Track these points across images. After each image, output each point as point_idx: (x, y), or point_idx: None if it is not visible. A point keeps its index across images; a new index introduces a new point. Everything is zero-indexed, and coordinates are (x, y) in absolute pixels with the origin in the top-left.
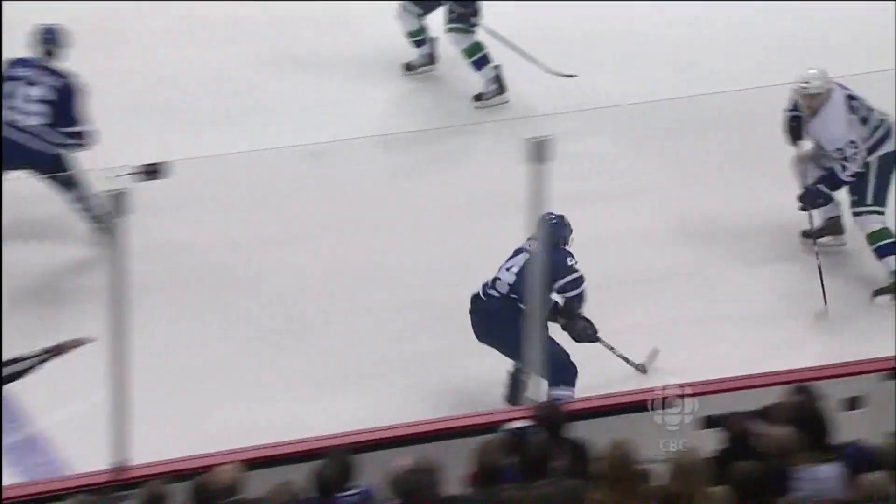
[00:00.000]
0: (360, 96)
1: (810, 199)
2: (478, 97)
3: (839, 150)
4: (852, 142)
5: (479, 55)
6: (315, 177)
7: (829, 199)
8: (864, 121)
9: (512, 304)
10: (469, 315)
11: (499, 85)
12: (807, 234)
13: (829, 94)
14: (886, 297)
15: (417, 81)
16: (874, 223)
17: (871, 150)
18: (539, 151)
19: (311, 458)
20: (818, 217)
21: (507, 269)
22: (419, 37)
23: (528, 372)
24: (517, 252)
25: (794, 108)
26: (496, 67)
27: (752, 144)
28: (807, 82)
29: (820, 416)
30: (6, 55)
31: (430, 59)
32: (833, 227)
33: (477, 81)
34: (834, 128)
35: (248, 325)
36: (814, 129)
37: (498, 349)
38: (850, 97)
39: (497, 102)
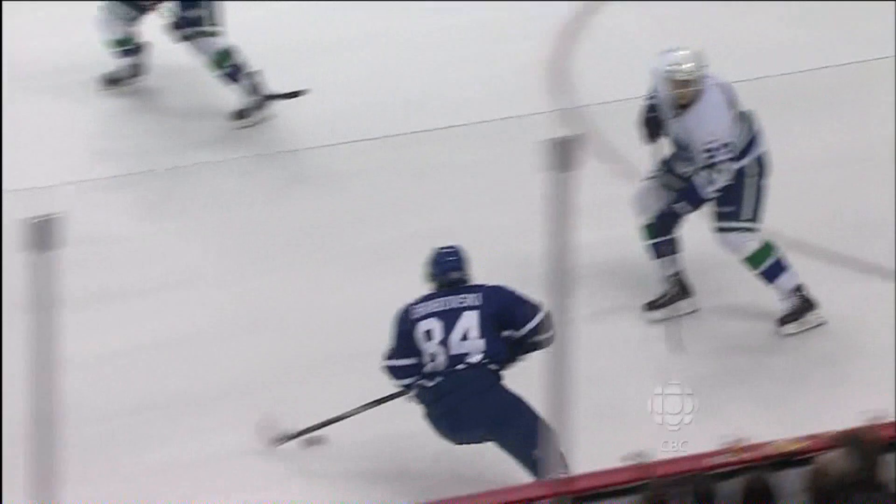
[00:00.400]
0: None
1: (665, 224)
2: (239, 114)
3: (709, 151)
4: (726, 145)
5: (229, 64)
6: None
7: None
8: (739, 119)
9: (492, 374)
10: (440, 414)
11: (261, 97)
12: (652, 306)
13: (706, 82)
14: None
15: (125, 98)
16: (751, 242)
17: (742, 154)
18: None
19: None
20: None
21: (463, 339)
22: (127, 45)
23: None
24: (446, 315)
25: (654, 97)
26: (253, 74)
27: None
28: (680, 64)
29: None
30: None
31: (137, 71)
32: (678, 289)
33: (230, 96)
34: (713, 123)
35: None
36: (682, 126)
37: (502, 439)
38: (725, 87)
39: (261, 119)
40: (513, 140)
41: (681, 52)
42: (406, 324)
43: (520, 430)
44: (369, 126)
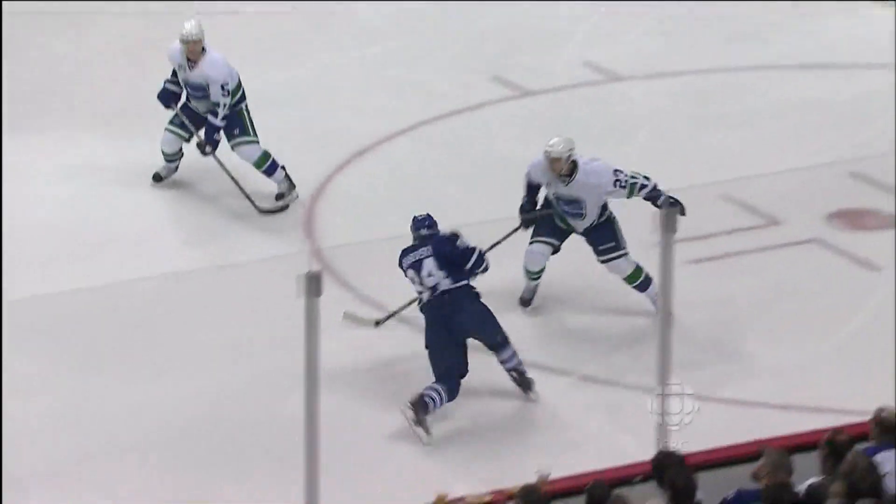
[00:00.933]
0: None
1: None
2: (278, 197)
3: (622, 183)
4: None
5: (269, 161)
6: None
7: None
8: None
9: (461, 289)
10: (434, 320)
11: (290, 182)
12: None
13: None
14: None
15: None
16: (629, 265)
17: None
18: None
19: None
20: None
21: (430, 275)
22: (176, 159)
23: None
24: (414, 265)
25: (534, 179)
26: (284, 168)
27: None
28: (554, 147)
29: None
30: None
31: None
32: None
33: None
34: (600, 177)
35: None
36: (569, 189)
37: (479, 334)
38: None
39: (291, 199)
40: (274, 275)
41: (555, 139)
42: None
43: (485, 321)
44: None
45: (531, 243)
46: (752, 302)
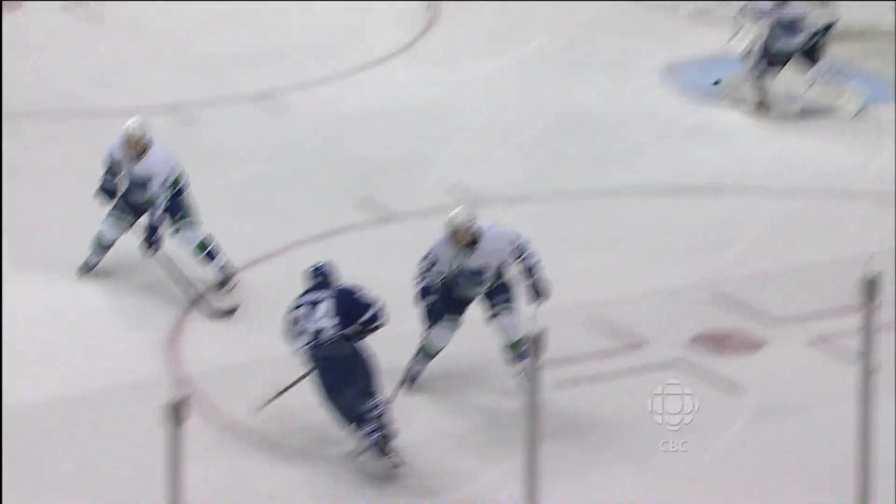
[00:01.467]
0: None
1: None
2: (220, 285)
3: (521, 253)
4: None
5: (210, 246)
6: None
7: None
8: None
9: (343, 339)
10: (326, 367)
11: (228, 270)
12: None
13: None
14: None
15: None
16: (519, 328)
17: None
18: None
19: None
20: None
21: (321, 318)
22: (112, 244)
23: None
24: (310, 304)
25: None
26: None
27: None
28: (455, 219)
29: None
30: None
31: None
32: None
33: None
34: (501, 242)
35: None
36: (463, 258)
37: (361, 381)
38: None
39: (233, 287)
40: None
41: (457, 209)
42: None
43: (369, 373)
44: None
45: (436, 323)
46: (613, 425)
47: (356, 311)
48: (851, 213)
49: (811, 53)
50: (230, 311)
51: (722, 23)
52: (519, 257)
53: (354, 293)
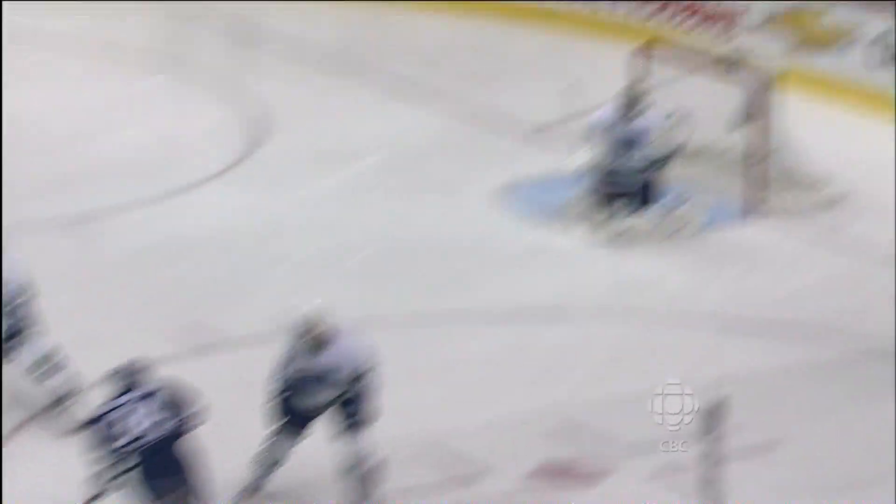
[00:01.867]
0: None
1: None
2: (57, 402)
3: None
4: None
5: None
6: None
7: None
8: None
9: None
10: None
11: (72, 382)
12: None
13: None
14: None
15: None
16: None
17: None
18: None
19: None
20: None
21: (144, 418)
22: None
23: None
24: (125, 408)
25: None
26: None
27: None
28: (307, 316)
29: None
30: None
31: None
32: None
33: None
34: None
35: None
36: (323, 360)
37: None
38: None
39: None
40: None
41: (307, 307)
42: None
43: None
44: None
45: (279, 436)
46: None
47: (176, 408)
48: (693, 338)
49: (652, 178)
50: (74, 427)
51: (559, 141)
52: (360, 376)
53: (172, 390)
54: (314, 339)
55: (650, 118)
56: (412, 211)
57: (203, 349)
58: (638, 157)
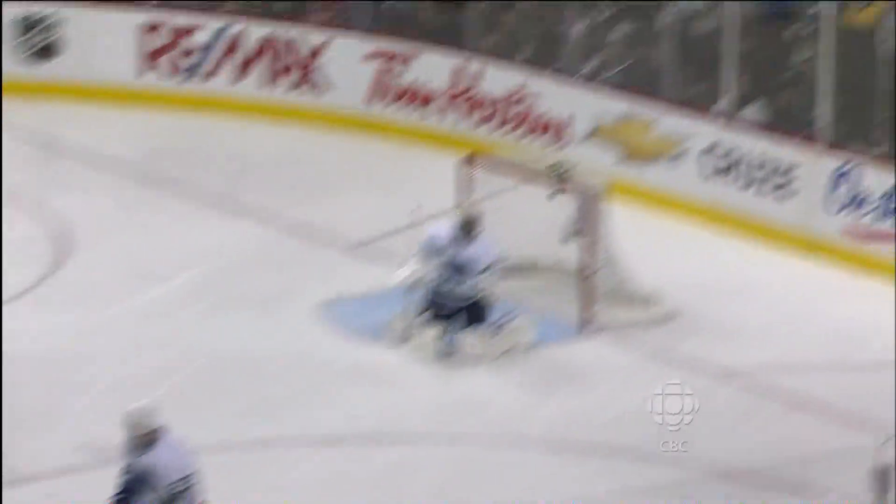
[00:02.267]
0: None
1: None
2: None
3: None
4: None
5: None
6: None
7: None
8: None
9: None
10: None
11: None
12: None
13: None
14: None
15: None
16: None
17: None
18: None
19: None
20: None
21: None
22: None
23: None
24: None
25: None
26: None
27: None
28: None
29: None
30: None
31: None
32: None
33: None
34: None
35: None
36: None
37: None
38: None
39: None
40: None
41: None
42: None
43: None
44: None
45: None
46: None
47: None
48: (525, 461)
49: (480, 302)
50: None
51: (384, 257)
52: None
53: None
54: (139, 439)
55: (484, 246)
56: (229, 329)
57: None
58: (469, 285)
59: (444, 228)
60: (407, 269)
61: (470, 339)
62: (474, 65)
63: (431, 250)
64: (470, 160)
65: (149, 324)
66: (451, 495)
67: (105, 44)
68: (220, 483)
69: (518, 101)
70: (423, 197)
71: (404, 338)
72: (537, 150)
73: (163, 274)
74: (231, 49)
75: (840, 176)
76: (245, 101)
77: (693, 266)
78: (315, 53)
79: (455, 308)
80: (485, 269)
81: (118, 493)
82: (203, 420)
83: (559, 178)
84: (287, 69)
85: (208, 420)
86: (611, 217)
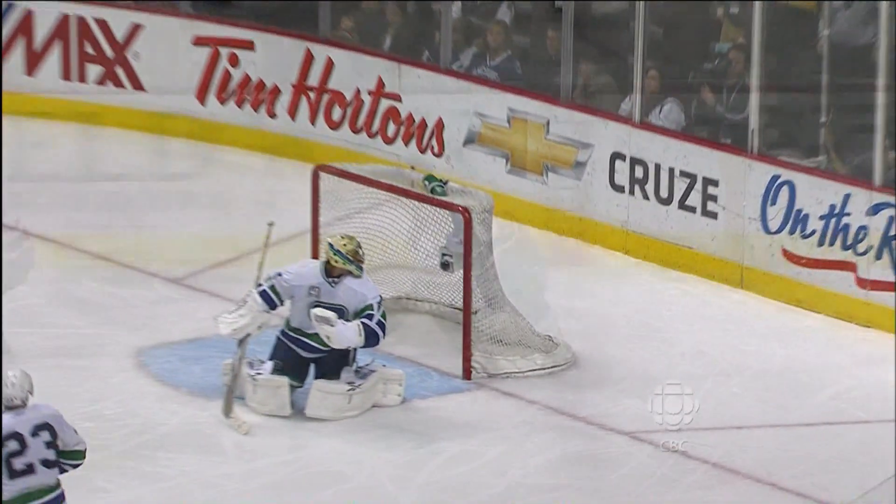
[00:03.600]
0: None
1: None
2: None
3: None
4: None
5: None
6: None
7: None
8: None
9: None
10: None
11: None
12: None
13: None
14: None
15: None
16: None
17: None
18: None
19: None
20: None
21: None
22: None
23: None
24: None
25: None
26: None
27: None
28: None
29: None
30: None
31: None
32: None
33: None
34: None
35: None
36: None
37: None
38: None
39: None
40: None
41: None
42: None
43: None
44: None
45: None
46: None
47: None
48: None
49: (333, 355)
50: None
51: (212, 292)
52: None
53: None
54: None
55: (352, 291)
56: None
57: None
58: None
59: (308, 271)
60: (245, 312)
61: (332, 389)
62: (326, 53)
63: (284, 292)
64: (321, 172)
65: None
66: None
67: None
68: None
69: (381, 98)
70: (263, 217)
71: (241, 391)
72: (404, 159)
73: None
74: (21, 31)
75: (774, 189)
76: (38, 97)
77: (600, 301)
78: (128, 39)
79: (309, 357)
80: (358, 313)
81: None
82: None
83: (433, 192)
84: (91, 58)
85: None
86: (497, 241)
